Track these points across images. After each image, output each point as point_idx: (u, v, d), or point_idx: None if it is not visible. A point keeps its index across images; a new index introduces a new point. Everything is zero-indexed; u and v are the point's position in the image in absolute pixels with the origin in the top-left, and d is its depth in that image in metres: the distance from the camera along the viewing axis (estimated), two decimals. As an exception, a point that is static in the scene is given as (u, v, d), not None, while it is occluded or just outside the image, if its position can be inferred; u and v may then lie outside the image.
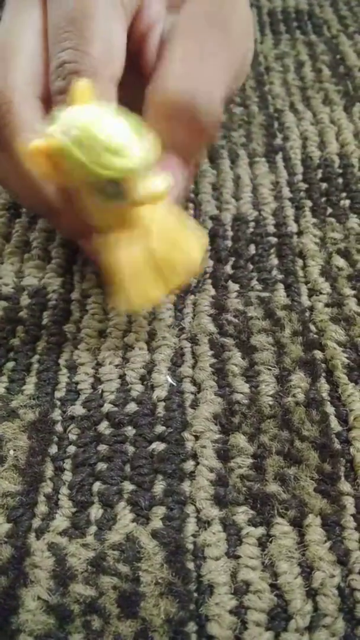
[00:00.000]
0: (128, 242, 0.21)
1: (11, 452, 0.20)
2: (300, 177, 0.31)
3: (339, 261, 0.27)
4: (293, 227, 0.29)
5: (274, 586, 0.17)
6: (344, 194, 0.30)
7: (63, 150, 0.19)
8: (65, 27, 0.22)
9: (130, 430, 0.21)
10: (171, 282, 0.22)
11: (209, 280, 0.26)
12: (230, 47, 0.25)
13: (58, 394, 0.22)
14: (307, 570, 0.17)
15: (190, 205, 0.30)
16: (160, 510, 0.19)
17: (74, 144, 0.19)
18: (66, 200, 0.23)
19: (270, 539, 0.18)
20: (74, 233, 0.25)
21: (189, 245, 0.23)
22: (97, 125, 0.19)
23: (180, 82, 0.23)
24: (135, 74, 0.24)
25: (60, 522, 0.18)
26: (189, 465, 0.20)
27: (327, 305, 0.25)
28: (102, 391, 0.22)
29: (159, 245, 0.21)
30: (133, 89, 0.22)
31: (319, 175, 0.31)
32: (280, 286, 0.26)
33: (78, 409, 0.21)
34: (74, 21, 0.22)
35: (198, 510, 0.19)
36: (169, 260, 0.21)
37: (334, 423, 0.21)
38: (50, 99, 0.23)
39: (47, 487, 0.19)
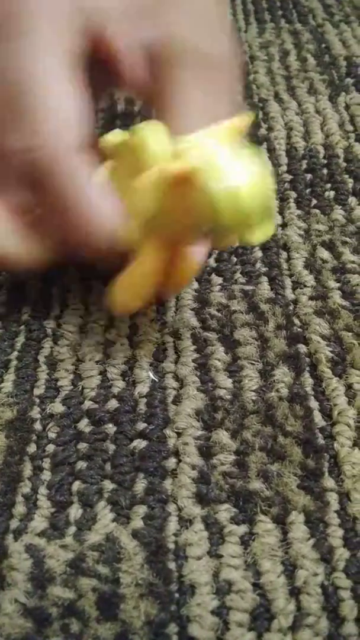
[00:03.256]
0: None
1: (-12, 451, 0.20)
2: (284, 168, 0.31)
3: (324, 253, 0.26)
4: (277, 219, 0.28)
5: (256, 585, 0.17)
6: (328, 185, 0.30)
7: (203, 179, 0.17)
8: (9, 116, 0.21)
9: (111, 428, 0.20)
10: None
11: (192, 274, 0.26)
12: (228, 87, 0.24)
13: (37, 391, 0.22)
14: (290, 568, 0.17)
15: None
16: (141, 509, 0.18)
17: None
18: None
19: (253, 537, 0.18)
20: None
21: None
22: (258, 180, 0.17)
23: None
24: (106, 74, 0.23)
25: (39, 522, 0.18)
26: (171, 462, 0.19)
27: (311, 298, 0.24)
28: (83, 388, 0.22)
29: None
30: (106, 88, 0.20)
31: (304, 166, 0.31)
32: (264, 279, 0.25)
33: (57, 407, 0.21)
34: (15, 103, 0.21)
35: (180, 509, 0.18)
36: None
37: (318, 418, 0.20)
38: None
39: (25, 487, 0.19)
